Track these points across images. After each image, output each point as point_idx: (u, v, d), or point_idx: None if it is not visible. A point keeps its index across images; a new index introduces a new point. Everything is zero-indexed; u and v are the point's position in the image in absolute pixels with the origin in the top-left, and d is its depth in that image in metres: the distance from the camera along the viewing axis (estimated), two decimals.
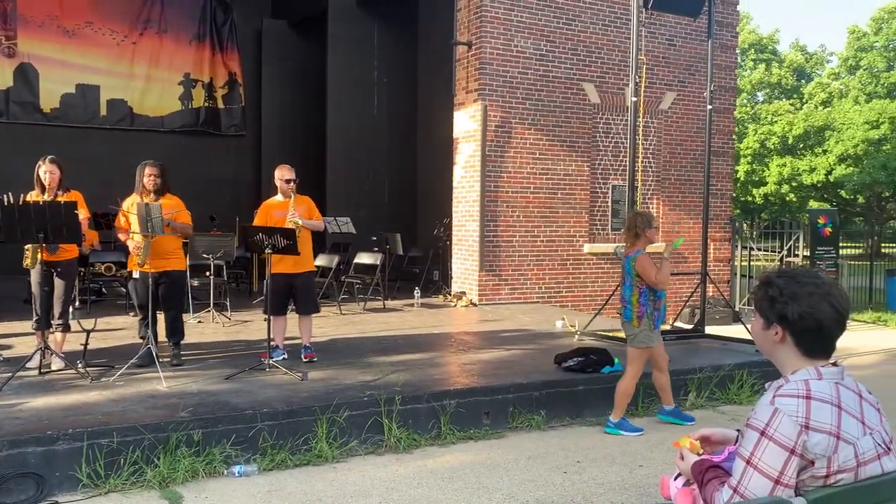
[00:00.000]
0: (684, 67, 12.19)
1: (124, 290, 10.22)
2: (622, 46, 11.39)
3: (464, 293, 10.83)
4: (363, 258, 10.81)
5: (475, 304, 10.59)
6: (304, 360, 6.48)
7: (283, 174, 6.56)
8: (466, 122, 10.95)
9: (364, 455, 5.05)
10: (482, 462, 4.98)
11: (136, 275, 6.17)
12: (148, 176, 6.17)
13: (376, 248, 11.52)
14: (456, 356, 7.11)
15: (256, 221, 6.68)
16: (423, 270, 12.46)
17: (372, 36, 14.78)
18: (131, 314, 9.03)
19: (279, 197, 6.60)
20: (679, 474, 2.28)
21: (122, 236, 6.28)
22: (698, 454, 2.24)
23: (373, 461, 4.96)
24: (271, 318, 6.28)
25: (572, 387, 6.00)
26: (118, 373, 5.73)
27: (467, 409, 5.57)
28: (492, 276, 10.76)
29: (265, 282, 6.31)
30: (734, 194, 17.75)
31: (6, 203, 5.76)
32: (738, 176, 31.63)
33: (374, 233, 12.79)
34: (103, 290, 10.75)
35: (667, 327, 9.00)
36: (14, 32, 14.00)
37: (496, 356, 7.05)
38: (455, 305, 10.65)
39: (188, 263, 7.39)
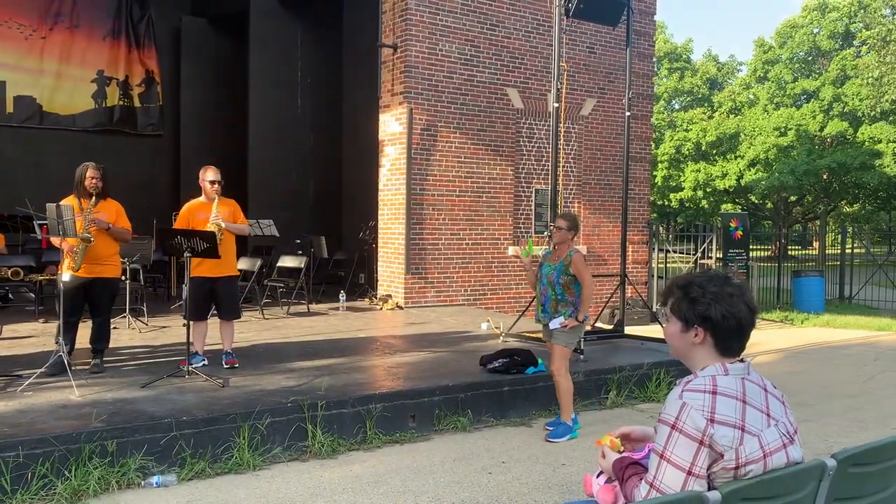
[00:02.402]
0: (604, 75, 12.50)
1: (32, 294, 9.75)
2: (545, 53, 11.60)
3: (390, 296, 10.80)
4: (287, 261, 10.64)
5: (401, 307, 10.58)
6: (226, 366, 6.33)
7: (207, 175, 6.40)
8: (392, 125, 10.94)
9: (287, 462, 4.97)
10: (408, 465, 4.97)
11: (66, 277, 5.88)
12: (89, 178, 5.98)
13: (300, 251, 11.37)
14: (382, 359, 7.09)
15: (178, 223, 6.48)
16: (348, 273, 12.37)
17: (295, 35, 14.57)
18: (40, 320, 8.63)
19: (203, 198, 6.43)
20: (601, 472, 2.34)
21: (54, 240, 5.96)
22: (619, 451, 2.31)
23: (296, 468, 4.89)
24: (191, 323, 6.10)
25: (497, 388, 6.06)
26: (26, 382, 5.46)
27: (393, 413, 5.56)
28: (418, 279, 10.77)
29: (184, 286, 6.12)
30: (651, 199, 18.34)
31: None
32: (655, 181, 32.73)
33: (298, 235, 12.61)
34: (10, 295, 10.25)
35: (588, 328, 9.22)
36: None
37: (422, 359, 7.06)
38: (381, 308, 10.61)
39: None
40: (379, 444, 5.35)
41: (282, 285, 10.48)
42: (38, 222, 6.75)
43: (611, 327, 9.33)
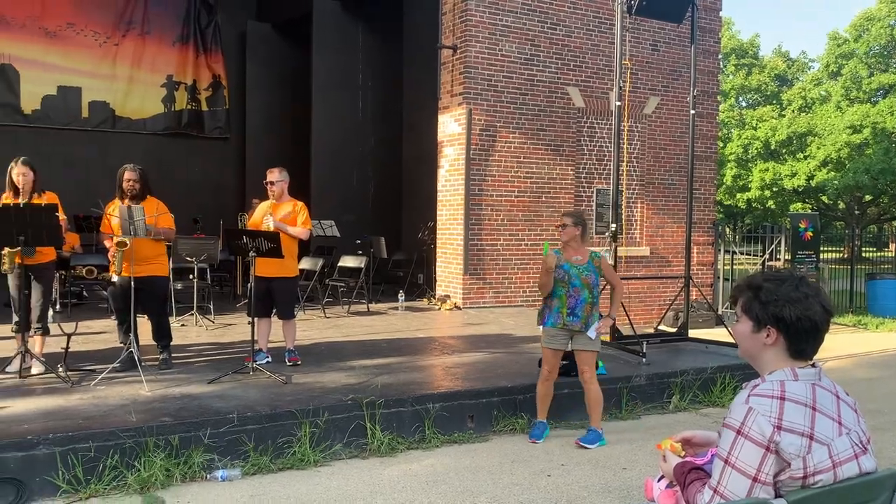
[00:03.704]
0: (668, 72, 12.27)
1: (105, 293, 10.14)
2: (606, 51, 11.45)
3: (448, 297, 10.83)
4: (347, 261, 10.78)
5: (459, 308, 10.59)
6: (289, 363, 6.45)
7: (267, 177, 6.56)
8: (451, 126, 10.96)
9: (347, 459, 5.03)
10: (466, 466, 4.97)
11: (115, 279, 6.06)
12: (126, 181, 6.09)
13: (360, 252, 11.50)
14: (440, 359, 7.11)
15: (249, 223, 6.64)
16: (407, 274, 12.45)
17: (357, 38, 14.76)
18: (112, 317, 8.95)
19: (271, 200, 6.60)
20: (662, 476, 2.29)
21: (106, 242, 6.18)
22: (680, 456, 2.26)
23: (356, 465, 4.95)
24: (255, 321, 6.24)
25: (557, 390, 6.00)
26: (99, 377, 5.68)
27: (451, 413, 5.57)
28: (476, 280, 10.76)
29: (249, 285, 6.26)
30: (718, 199, 17.88)
31: None
32: (724, 181, 31.89)
33: (359, 236, 12.76)
34: (84, 293, 10.65)
35: (650, 330, 9.06)
36: None
37: (480, 359, 7.05)
38: (439, 309, 10.64)
39: (171, 267, 7.32)
40: (437, 444, 5.36)
41: (343, 285, 10.62)
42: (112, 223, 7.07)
43: (674, 330, 9.15)
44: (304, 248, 11.47)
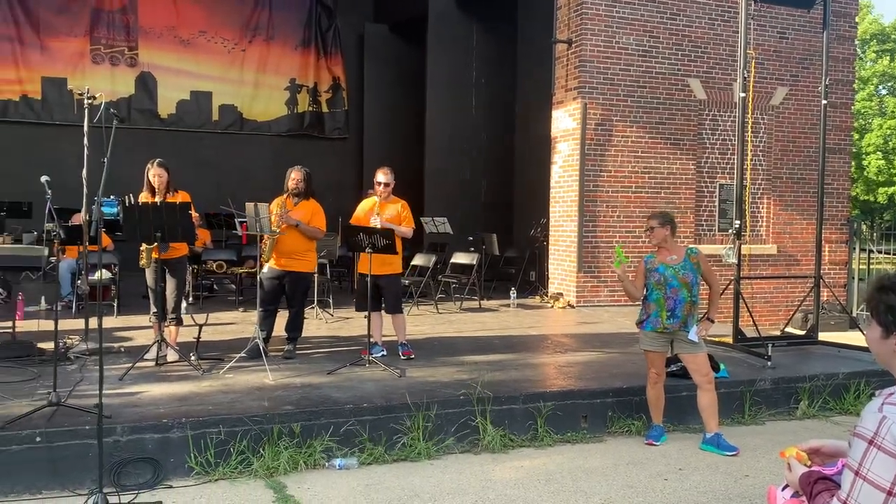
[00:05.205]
0: (797, 61, 11.61)
1: (233, 286, 10.71)
2: (730, 40, 10.97)
3: (561, 294, 10.71)
4: (459, 258, 10.88)
5: (573, 306, 10.45)
6: (402, 357, 6.59)
7: (376, 177, 6.77)
8: (565, 121, 10.83)
9: (459, 453, 5.08)
10: (579, 466, 4.91)
11: (264, 269, 6.52)
12: (292, 180, 6.58)
13: (472, 248, 11.57)
14: (552, 358, 7.05)
15: (353, 220, 6.85)
16: (519, 271, 12.42)
17: (470, 36, 14.85)
18: (240, 309, 9.45)
19: (375, 197, 6.77)
20: (787, 486, 2.18)
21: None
22: (807, 465, 2.14)
23: (468, 459, 4.99)
24: (370, 314, 6.42)
25: (675, 393, 5.82)
26: (228, 365, 6.01)
27: (564, 412, 5.51)
28: (590, 278, 10.58)
29: (356, 281, 6.50)
30: (854, 193, 16.75)
31: (128, 204, 6.17)
32: (866, 173, 29.82)
33: (471, 233, 12.84)
34: (214, 286, 11.27)
35: (776, 333, 8.62)
36: (136, 43, 14.91)
37: (594, 359, 6.94)
38: (552, 307, 10.55)
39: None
40: (550, 443, 5.32)
41: (455, 281, 10.72)
42: (239, 220, 7.46)
43: (802, 333, 8.67)
44: (417, 244, 11.68)
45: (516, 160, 14.56)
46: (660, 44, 10.83)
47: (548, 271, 11.34)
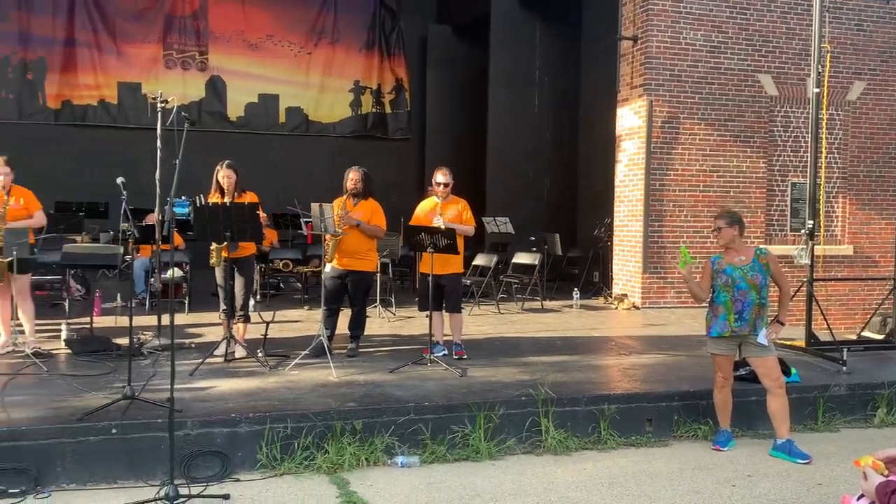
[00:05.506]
0: (876, 54, 11.16)
1: (299, 284, 10.92)
2: (803, 34, 10.61)
3: (625, 295, 10.55)
4: (521, 258, 10.83)
5: (638, 308, 10.28)
6: (455, 357, 6.60)
7: (435, 177, 6.81)
8: (630, 119, 10.66)
9: (521, 454, 5.06)
10: (643, 470, 4.83)
11: (326, 269, 6.65)
12: (351, 180, 6.65)
13: (534, 248, 11.50)
14: (616, 359, 6.95)
15: (413, 221, 6.90)
16: (582, 271, 12.28)
17: (534, 36, 14.77)
18: (305, 307, 9.62)
19: (435, 198, 6.79)
20: (862, 495, 2.10)
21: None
22: (883, 475, 2.05)
23: (529, 461, 4.96)
24: (431, 314, 6.45)
25: (744, 397, 5.66)
26: (293, 362, 6.13)
27: (628, 415, 5.42)
28: (656, 279, 10.39)
29: (418, 280, 6.53)
30: None
31: (198, 205, 6.36)
32: None
33: (533, 233, 12.77)
34: (281, 284, 11.52)
35: (852, 336, 8.30)
36: (206, 48, 15.36)
37: (660, 361, 6.81)
38: (616, 308, 10.39)
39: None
40: (613, 446, 5.25)
41: (517, 281, 10.68)
42: (304, 220, 7.59)
43: (881, 337, 8.32)
44: (479, 244, 11.69)
45: (580, 159, 14.40)
46: (729, 39, 10.56)
47: (612, 272, 11.19)
